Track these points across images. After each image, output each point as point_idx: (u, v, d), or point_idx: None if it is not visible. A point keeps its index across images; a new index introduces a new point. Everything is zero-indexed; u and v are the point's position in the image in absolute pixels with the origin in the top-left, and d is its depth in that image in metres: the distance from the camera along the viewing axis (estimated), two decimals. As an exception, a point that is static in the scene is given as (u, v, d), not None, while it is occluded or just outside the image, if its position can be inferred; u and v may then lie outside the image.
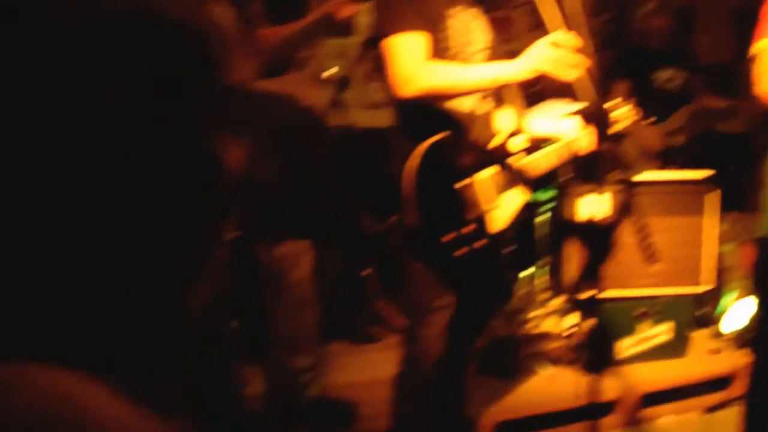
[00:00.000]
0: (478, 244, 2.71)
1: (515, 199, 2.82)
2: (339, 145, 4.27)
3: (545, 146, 2.96)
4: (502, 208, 2.77)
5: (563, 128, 3.10)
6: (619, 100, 3.23)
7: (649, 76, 5.47)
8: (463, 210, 2.66)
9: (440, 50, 2.74)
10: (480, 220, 2.71)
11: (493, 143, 2.80)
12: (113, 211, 0.59)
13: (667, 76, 5.50)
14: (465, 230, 2.67)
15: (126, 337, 0.62)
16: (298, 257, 3.51)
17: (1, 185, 0.56)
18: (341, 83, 5.01)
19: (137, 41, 0.60)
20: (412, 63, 2.61)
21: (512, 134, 2.84)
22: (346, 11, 3.44)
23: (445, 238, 2.63)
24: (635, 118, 3.23)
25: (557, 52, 2.50)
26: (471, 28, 2.86)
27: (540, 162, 2.88)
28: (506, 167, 2.78)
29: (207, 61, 0.65)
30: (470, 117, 2.79)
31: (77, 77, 0.57)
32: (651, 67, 5.50)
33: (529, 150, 2.88)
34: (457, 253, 2.65)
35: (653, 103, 5.09)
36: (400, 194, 2.63)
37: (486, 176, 2.73)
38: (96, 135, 0.57)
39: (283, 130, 3.39)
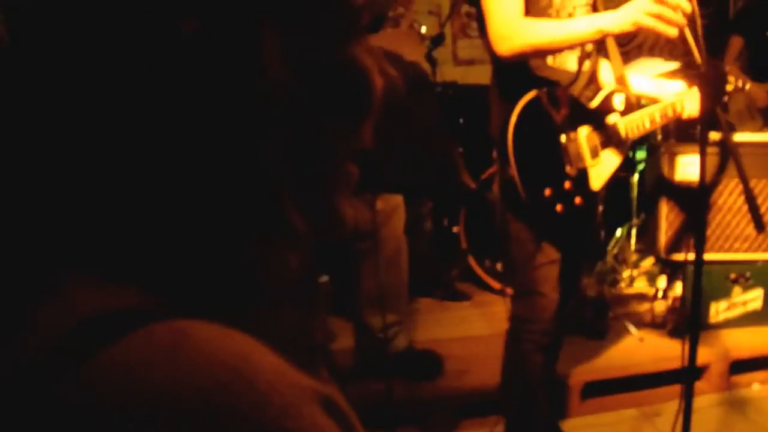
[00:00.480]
0: (578, 201, 2.70)
1: (614, 157, 2.79)
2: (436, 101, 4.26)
3: (646, 105, 2.90)
4: (601, 165, 2.74)
5: (666, 89, 3.04)
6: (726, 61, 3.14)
7: (764, 31, 5.30)
8: (562, 165, 2.64)
9: (542, 8, 2.70)
10: (580, 177, 2.68)
11: (595, 102, 2.76)
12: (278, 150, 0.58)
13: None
14: (565, 185, 2.65)
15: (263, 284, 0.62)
16: (391, 212, 3.54)
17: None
18: (435, 40, 5.03)
19: None
20: (509, 20, 2.58)
21: (613, 92, 2.79)
22: None
23: (546, 193, 2.62)
24: (741, 80, 3.15)
25: (658, 6, 2.44)
26: None
27: (640, 122, 2.83)
28: (606, 126, 2.75)
29: None
30: (571, 74, 2.76)
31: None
32: (765, 22, 5.33)
33: (628, 110, 2.83)
34: (558, 208, 2.64)
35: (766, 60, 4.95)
36: (499, 149, 2.62)
37: (586, 133, 2.70)
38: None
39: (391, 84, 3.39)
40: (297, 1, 0.59)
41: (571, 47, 2.63)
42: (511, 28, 2.56)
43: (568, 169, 2.65)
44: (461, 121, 5.18)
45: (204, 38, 0.54)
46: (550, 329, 2.81)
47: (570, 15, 2.72)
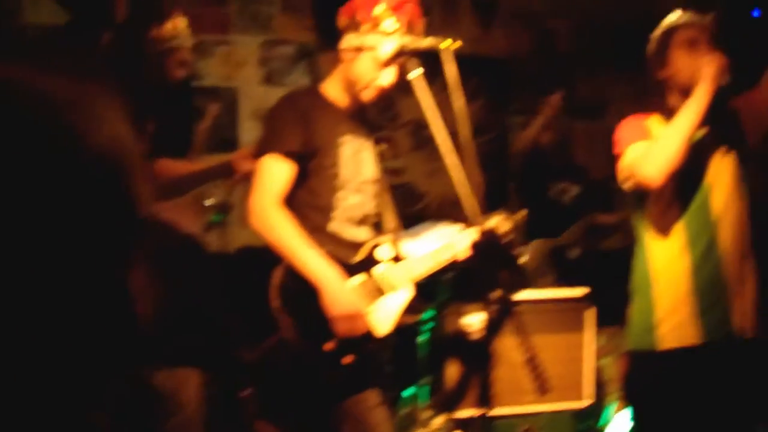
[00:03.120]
0: (364, 349, 2.69)
1: (393, 303, 2.82)
2: (217, 270, 4.21)
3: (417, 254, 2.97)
4: (382, 313, 2.76)
5: (439, 234, 3.14)
6: (502, 214, 3.27)
7: (543, 189, 5.59)
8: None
9: (329, 177, 2.77)
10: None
11: (359, 256, 2.81)
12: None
13: (560, 189, 5.63)
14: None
15: None
16: (183, 380, 3.42)
17: None
18: (222, 208, 5.01)
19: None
20: (267, 197, 2.65)
21: (378, 244, 2.86)
22: (247, 166, 3.50)
23: (327, 347, 2.60)
24: (517, 229, 3.28)
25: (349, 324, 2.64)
26: (362, 158, 2.90)
27: (410, 268, 2.90)
28: (374, 274, 2.80)
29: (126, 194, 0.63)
30: (345, 241, 2.81)
31: None
32: (544, 180, 5.63)
33: (396, 259, 2.90)
34: (345, 360, 2.62)
35: (548, 217, 5.21)
36: (272, 314, 2.61)
37: (358, 283, 2.74)
38: None
39: (163, 256, 3.33)
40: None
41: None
42: (264, 207, 2.62)
43: None
44: (250, 284, 5.12)
45: None
46: None
47: (358, 190, 2.80)
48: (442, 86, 2.57)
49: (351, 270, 2.79)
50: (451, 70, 2.55)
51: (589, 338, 4.48)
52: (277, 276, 2.63)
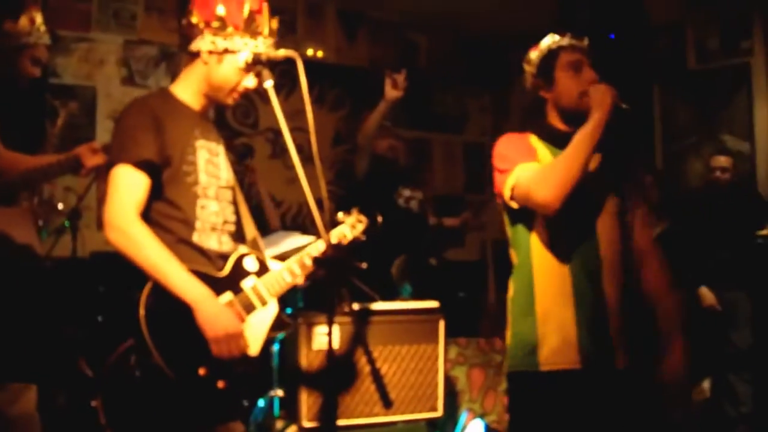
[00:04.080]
0: (239, 370, 2.64)
1: (263, 318, 2.78)
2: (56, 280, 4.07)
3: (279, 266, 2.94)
4: (253, 329, 2.72)
5: (296, 242, 3.11)
6: (349, 223, 3.29)
7: (392, 195, 5.65)
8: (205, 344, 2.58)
9: (188, 185, 2.70)
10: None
11: (225, 270, 2.75)
12: None
13: (407, 195, 5.70)
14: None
15: None
16: (17, 393, 3.30)
17: None
18: (72, 215, 4.90)
19: None
20: (124, 210, 2.55)
21: (242, 256, 2.82)
22: (96, 159, 3.41)
23: (201, 372, 2.54)
24: (361, 229, 3.31)
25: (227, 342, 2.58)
26: (217, 162, 2.84)
27: (280, 278, 2.86)
28: (243, 290, 2.75)
29: None
30: (209, 252, 2.75)
31: None
32: (393, 186, 5.69)
33: (264, 270, 2.86)
34: (220, 384, 2.56)
35: (397, 222, 5.26)
36: (135, 338, 2.50)
37: (226, 302, 2.68)
38: None
39: None
40: None
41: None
42: (122, 222, 2.52)
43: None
44: (101, 290, 5.03)
45: None
46: None
47: (216, 197, 2.75)
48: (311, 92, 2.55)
49: (219, 284, 2.68)
50: (303, 81, 2.53)
51: (441, 349, 4.55)
52: (142, 296, 2.51)
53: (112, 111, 6.20)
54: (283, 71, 6.94)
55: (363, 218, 3.32)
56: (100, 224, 5.90)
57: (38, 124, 5.56)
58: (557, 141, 2.92)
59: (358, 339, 4.14)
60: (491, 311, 7.32)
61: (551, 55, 3.00)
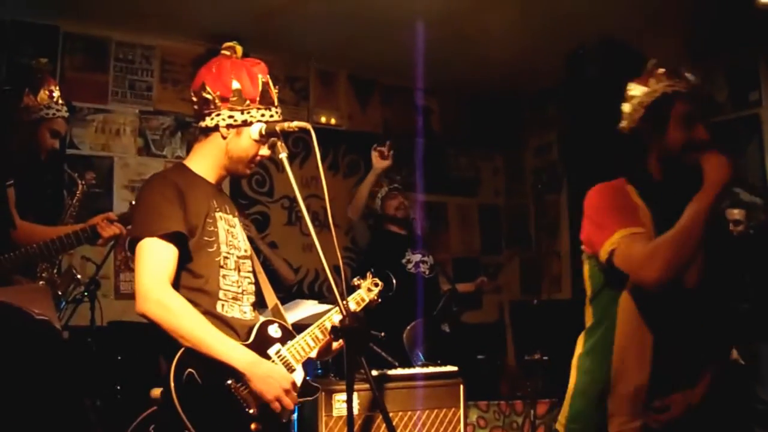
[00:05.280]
0: None
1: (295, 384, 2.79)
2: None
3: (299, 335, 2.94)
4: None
5: (315, 309, 3.09)
6: (364, 288, 3.30)
7: (399, 260, 5.66)
8: (242, 409, 2.57)
9: (211, 255, 2.72)
10: (264, 412, 2.62)
11: (252, 337, 2.75)
12: None
13: (417, 260, 5.71)
14: (252, 427, 2.58)
15: None
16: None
17: None
18: (90, 284, 4.93)
19: None
20: (156, 281, 2.56)
21: (266, 324, 2.83)
22: (112, 230, 3.46)
23: None
24: (377, 291, 3.32)
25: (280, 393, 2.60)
26: (235, 233, 2.87)
27: (304, 344, 2.87)
28: (270, 357, 2.75)
29: None
30: (233, 321, 2.75)
31: None
32: (401, 251, 5.71)
33: (287, 336, 2.86)
34: None
35: (408, 288, 5.26)
36: (168, 413, 2.48)
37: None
38: None
39: (9, 344, 3.25)
40: None
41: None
42: (157, 293, 2.52)
43: (250, 410, 2.59)
44: (119, 358, 5.03)
45: None
46: None
47: (236, 268, 2.77)
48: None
49: None
50: (317, 150, 2.55)
51: (461, 413, 4.52)
52: (172, 368, 2.49)
53: (129, 181, 6.28)
54: (297, 138, 7.08)
55: (378, 281, 3.34)
56: (117, 293, 6.01)
57: (57, 195, 5.62)
58: (654, 193, 2.74)
59: (377, 405, 4.12)
60: (511, 372, 7.28)
61: (666, 100, 2.74)
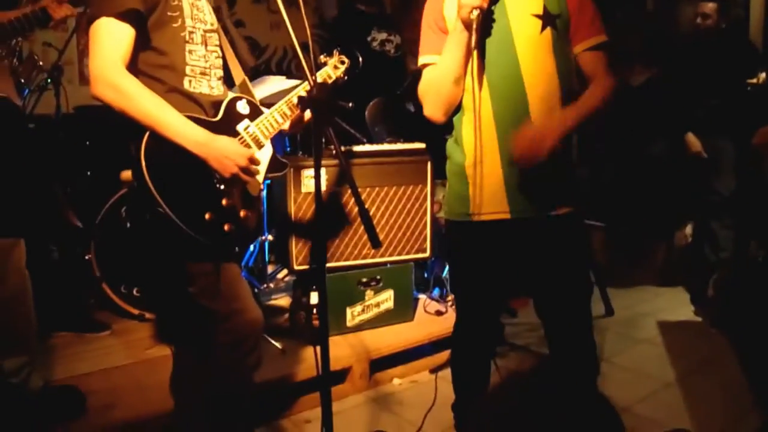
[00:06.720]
0: (243, 214, 2.67)
1: (262, 161, 2.81)
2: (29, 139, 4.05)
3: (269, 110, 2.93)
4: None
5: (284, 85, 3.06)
6: (331, 64, 3.29)
7: (365, 37, 5.62)
8: (213, 185, 2.59)
9: (175, 31, 2.64)
10: (236, 189, 2.67)
11: (219, 114, 2.74)
12: None
13: (382, 38, 5.67)
14: (224, 203, 2.61)
15: None
16: (8, 248, 3.34)
17: None
18: (54, 71, 4.85)
19: None
20: (110, 62, 2.49)
21: (235, 99, 2.81)
22: (63, 11, 3.35)
23: (207, 217, 2.56)
24: (343, 69, 3.32)
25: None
26: (201, 6, 2.77)
27: (272, 119, 2.86)
28: (239, 133, 2.75)
29: None
30: (202, 98, 2.72)
31: None
32: (367, 29, 5.66)
33: (255, 112, 2.85)
34: (226, 228, 2.59)
35: (371, 65, 5.24)
36: (139, 188, 2.49)
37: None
38: None
39: None
40: None
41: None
42: (110, 76, 2.46)
43: (221, 186, 2.62)
44: (87, 143, 5.03)
45: None
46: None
47: (203, 42, 2.71)
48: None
49: (214, 129, 2.63)
50: None
51: (429, 191, 4.62)
52: (141, 148, 2.48)
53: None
54: None
55: (344, 59, 3.32)
56: (82, 79, 5.92)
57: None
58: None
59: (345, 181, 4.22)
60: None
61: None
